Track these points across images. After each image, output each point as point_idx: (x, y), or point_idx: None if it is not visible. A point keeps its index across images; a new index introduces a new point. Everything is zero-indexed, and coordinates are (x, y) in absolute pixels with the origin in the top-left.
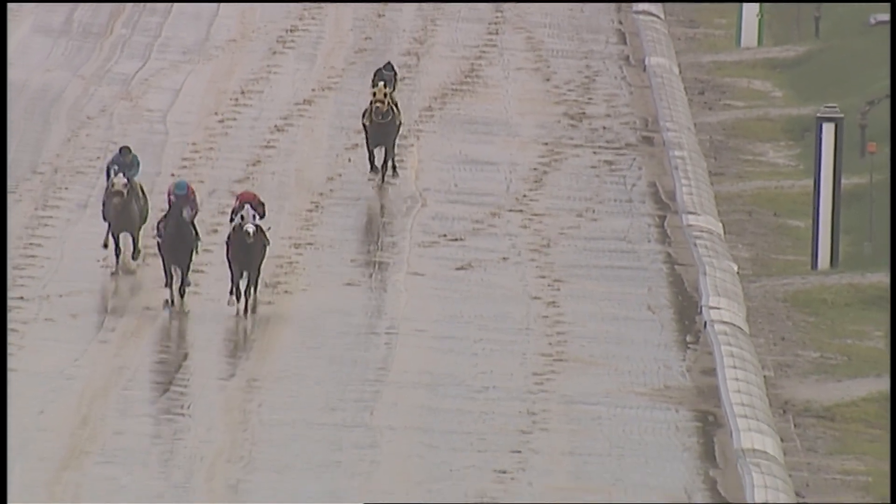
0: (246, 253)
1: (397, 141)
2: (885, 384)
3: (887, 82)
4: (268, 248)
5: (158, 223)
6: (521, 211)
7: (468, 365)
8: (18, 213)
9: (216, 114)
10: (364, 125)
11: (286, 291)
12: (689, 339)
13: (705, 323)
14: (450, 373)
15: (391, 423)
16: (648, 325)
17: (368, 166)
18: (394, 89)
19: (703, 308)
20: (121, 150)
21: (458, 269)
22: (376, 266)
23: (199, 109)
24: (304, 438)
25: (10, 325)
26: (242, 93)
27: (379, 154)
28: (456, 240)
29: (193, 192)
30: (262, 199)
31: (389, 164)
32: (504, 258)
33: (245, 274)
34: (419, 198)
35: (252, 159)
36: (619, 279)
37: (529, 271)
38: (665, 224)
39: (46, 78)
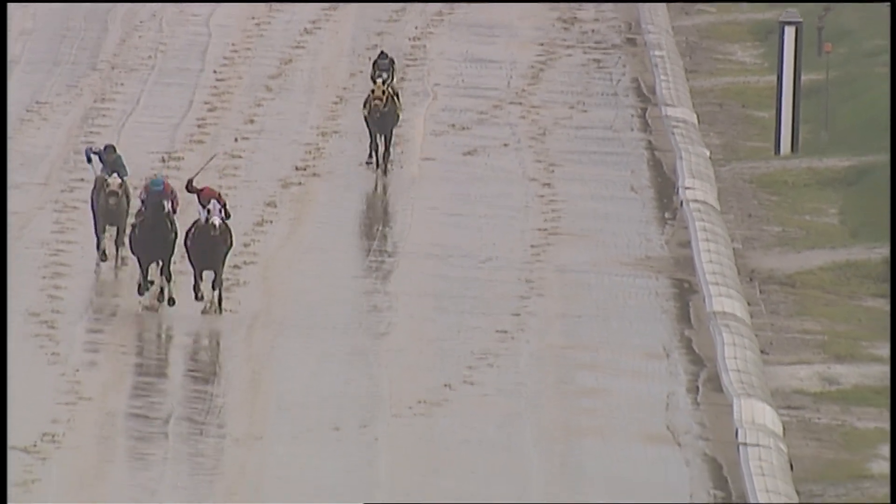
0: (210, 248)
1: (395, 130)
2: (839, 255)
3: None
4: (232, 246)
5: (133, 221)
6: (520, 103)
7: (474, 238)
8: (79, 106)
9: (253, 18)
10: (364, 116)
11: (314, 174)
12: (667, 215)
13: (681, 201)
14: (458, 245)
15: (406, 289)
16: (632, 204)
17: (368, 153)
18: (392, 78)
19: (680, 188)
20: (105, 147)
21: (465, 154)
22: (393, 150)
23: (238, 14)
24: (330, 304)
25: (69, 204)
26: None
27: (379, 142)
28: (463, 129)
29: (170, 188)
30: (224, 199)
31: (385, 154)
32: (505, 145)
33: (208, 272)
34: (430, 92)
35: (284, 58)
36: (606, 163)
37: (527, 156)
38: (646, 115)
39: None
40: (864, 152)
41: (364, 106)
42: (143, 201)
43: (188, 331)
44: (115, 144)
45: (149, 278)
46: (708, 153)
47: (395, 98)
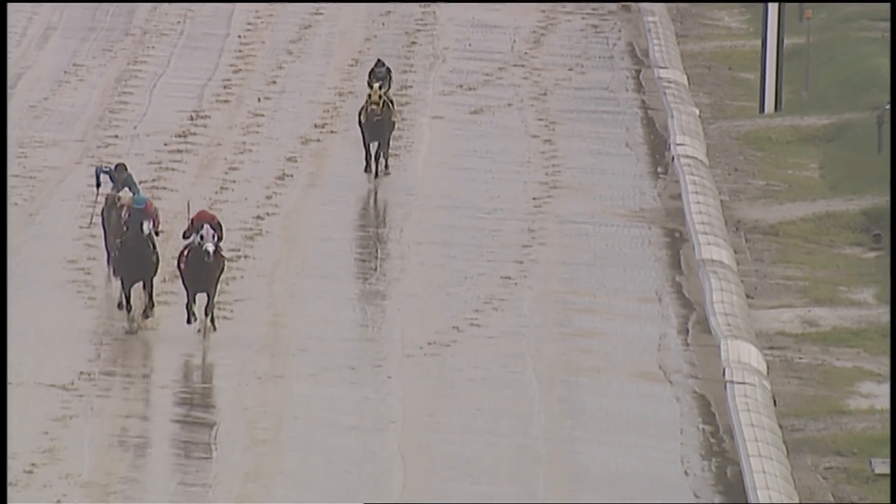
0: (204, 273)
1: (391, 138)
2: (819, 207)
3: None
4: (224, 270)
5: (116, 239)
6: (522, 66)
7: (480, 191)
8: (113, 68)
9: None
10: (360, 122)
11: (332, 132)
12: (659, 170)
13: (672, 157)
14: (465, 197)
15: (418, 238)
16: (626, 159)
17: (364, 164)
18: (389, 87)
19: (671, 144)
20: (116, 166)
21: (472, 113)
22: (405, 109)
23: None
24: (346, 251)
25: (104, 159)
26: None
27: (374, 150)
28: (470, 89)
29: (152, 206)
30: (220, 221)
31: (382, 160)
32: (509, 104)
33: (202, 294)
34: (440, 55)
35: (304, 24)
36: (603, 121)
37: (530, 115)
38: (640, 76)
39: None
40: (842, 111)
41: (360, 112)
42: (125, 220)
43: None
44: (125, 163)
45: (131, 301)
46: (697, 112)
47: (391, 104)
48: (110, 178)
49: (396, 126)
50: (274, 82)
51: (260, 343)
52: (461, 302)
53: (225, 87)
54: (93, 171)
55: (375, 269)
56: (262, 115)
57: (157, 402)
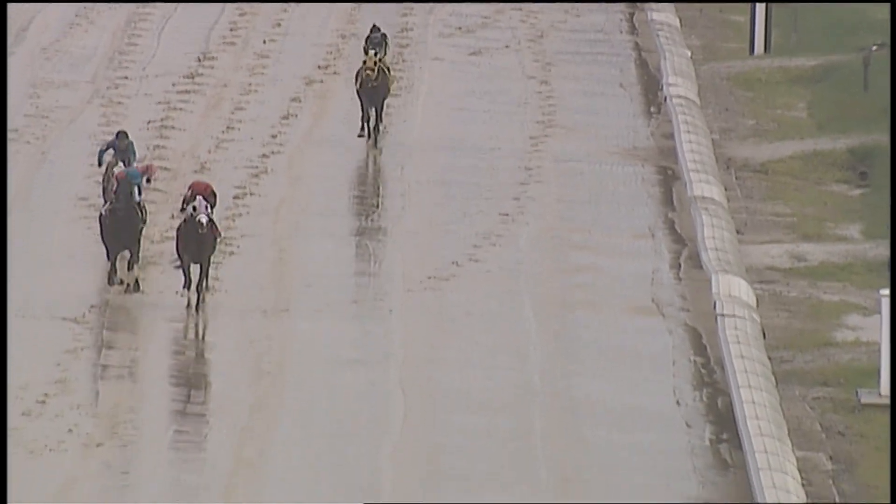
0: (198, 244)
1: (387, 102)
2: (807, 145)
3: None
4: (218, 241)
5: (103, 209)
6: (519, 9)
7: (479, 130)
8: (123, 12)
9: None
10: (356, 89)
11: (335, 73)
12: (652, 109)
13: (665, 97)
14: (464, 137)
15: (418, 177)
16: (620, 99)
17: (360, 125)
18: (385, 53)
19: (664, 85)
20: (118, 134)
21: (470, 54)
22: (405, 51)
23: None
24: (348, 189)
25: (113, 99)
26: None
27: (371, 114)
28: (468, 31)
29: (145, 168)
30: (214, 190)
31: (376, 123)
32: (506, 46)
33: (196, 266)
34: None
35: None
36: (597, 62)
37: (526, 56)
38: (634, 19)
39: None
40: (830, 52)
41: (356, 78)
42: (115, 189)
43: (221, 215)
44: (126, 131)
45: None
46: (689, 53)
47: (387, 71)
48: (112, 148)
49: (391, 91)
50: (279, 25)
51: (265, 279)
52: (460, 238)
53: (231, 29)
54: (96, 151)
55: (377, 207)
56: (268, 57)
57: (165, 335)
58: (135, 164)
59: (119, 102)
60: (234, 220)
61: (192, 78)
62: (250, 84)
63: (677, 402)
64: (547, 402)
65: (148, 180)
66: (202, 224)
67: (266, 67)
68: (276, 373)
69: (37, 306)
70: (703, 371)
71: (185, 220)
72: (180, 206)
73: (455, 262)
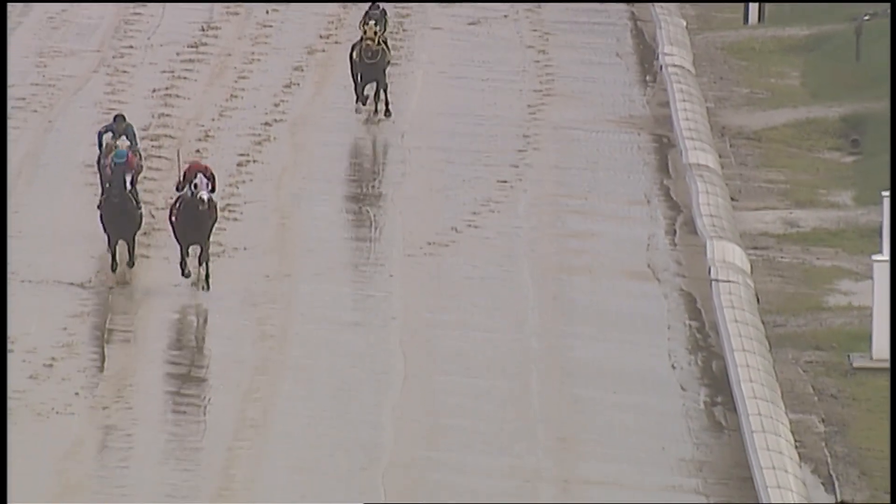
0: (197, 223)
1: (387, 72)
2: (800, 113)
3: None
4: (216, 222)
5: (99, 198)
6: None
7: (478, 98)
8: None
9: None
10: (353, 61)
11: (336, 42)
12: (648, 78)
13: (661, 66)
14: (463, 104)
15: (418, 143)
16: (617, 68)
17: (355, 98)
18: (384, 29)
19: (659, 54)
20: (115, 118)
21: (469, 24)
22: (405, 20)
23: None
24: (349, 156)
25: (119, 68)
26: None
27: (370, 88)
28: (468, 1)
29: (134, 160)
30: (213, 172)
31: (382, 99)
32: (505, 16)
33: (195, 247)
34: None
35: None
36: (594, 32)
37: (525, 26)
38: None
39: None
40: (823, 22)
41: (352, 50)
42: (108, 177)
43: (225, 181)
44: (124, 114)
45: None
46: (684, 23)
47: (386, 46)
48: (111, 131)
49: (390, 63)
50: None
51: (268, 243)
52: (459, 204)
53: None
54: (95, 138)
55: (377, 173)
56: (270, 27)
57: (170, 299)
58: (125, 148)
59: (124, 71)
60: (237, 187)
61: (196, 47)
62: (253, 53)
63: (672, 366)
64: (544, 364)
65: (133, 182)
66: (203, 201)
67: (269, 37)
68: (279, 336)
69: (43, 271)
70: (697, 335)
71: (181, 200)
72: (176, 186)
73: (454, 228)
